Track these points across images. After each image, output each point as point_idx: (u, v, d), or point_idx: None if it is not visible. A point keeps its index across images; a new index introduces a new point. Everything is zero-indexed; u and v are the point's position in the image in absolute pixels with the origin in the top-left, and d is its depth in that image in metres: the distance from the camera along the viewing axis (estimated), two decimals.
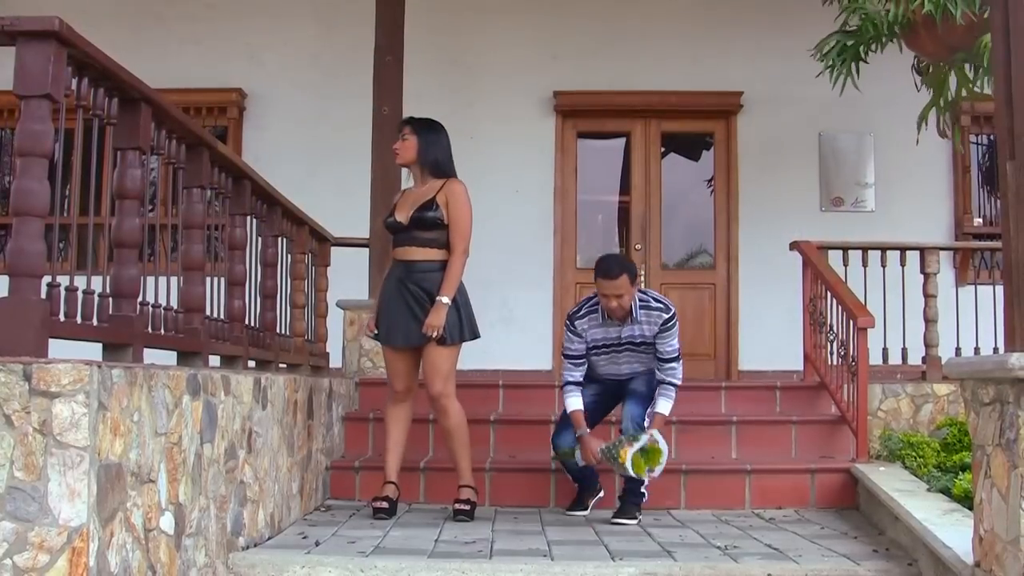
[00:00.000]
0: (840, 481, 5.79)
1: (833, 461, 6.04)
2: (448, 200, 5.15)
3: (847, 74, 7.08)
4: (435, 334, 5.03)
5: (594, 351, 5.45)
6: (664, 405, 5.36)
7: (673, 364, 5.38)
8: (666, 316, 5.33)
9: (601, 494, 5.60)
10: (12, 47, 2.84)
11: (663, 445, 5.19)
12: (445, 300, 5.05)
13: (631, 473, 5.11)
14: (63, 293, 2.96)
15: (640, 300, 5.36)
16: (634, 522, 5.19)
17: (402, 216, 5.20)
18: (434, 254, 5.15)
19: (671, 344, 5.37)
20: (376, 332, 5.28)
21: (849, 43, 7.10)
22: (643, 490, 5.31)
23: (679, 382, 5.41)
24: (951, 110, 7.15)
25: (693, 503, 5.75)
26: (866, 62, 7.08)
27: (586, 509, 5.52)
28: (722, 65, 8.93)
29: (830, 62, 7.11)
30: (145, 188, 3.45)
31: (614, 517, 5.25)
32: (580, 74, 8.90)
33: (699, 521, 5.29)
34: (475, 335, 5.24)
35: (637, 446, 5.10)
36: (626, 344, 5.40)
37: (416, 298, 5.12)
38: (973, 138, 9.08)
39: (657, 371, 5.41)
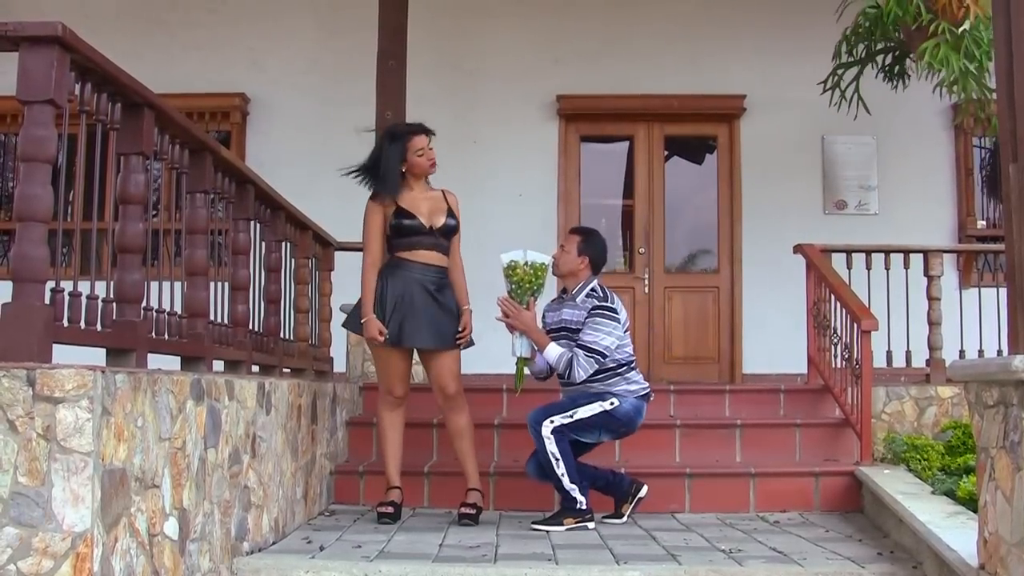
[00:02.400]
0: (844, 484, 5.78)
1: (837, 464, 6.03)
2: (453, 209, 5.32)
3: (859, 100, 7.52)
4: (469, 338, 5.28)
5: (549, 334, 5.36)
6: (553, 350, 5.16)
7: (581, 352, 5.10)
8: (596, 302, 5.21)
9: (642, 493, 5.38)
10: (15, 52, 2.85)
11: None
12: (470, 308, 5.30)
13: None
14: (67, 298, 2.96)
15: (590, 288, 5.32)
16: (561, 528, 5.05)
17: (427, 220, 5.24)
18: (447, 261, 5.32)
19: (590, 335, 5.13)
20: (387, 336, 5.16)
21: (851, 70, 7.49)
22: (573, 494, 5.12)
23: (579, 374, 5.09)
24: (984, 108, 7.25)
25: (697, 507, 5.74)
26: (909, 75, 7.21)
27: (621, 517, 5.36)
28: (724, 68, 8.94)
29: (839, 94, 7.54)
30: (148, 193, 3.46)
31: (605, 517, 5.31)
32: (583, 78, 8.91)
33: (703, 524, 5.28)
34: None
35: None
36: (563, 328, 5.29)
37: (442, 304, 5.22)
38: (976, 141, 9.09)
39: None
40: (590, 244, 5.39)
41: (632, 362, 5.33)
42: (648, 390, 5.36)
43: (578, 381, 5.15)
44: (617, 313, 5.25)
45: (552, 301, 5.54)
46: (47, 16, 3.04)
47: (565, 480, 5.12)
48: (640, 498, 5.37)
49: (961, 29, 6.67)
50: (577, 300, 5.30)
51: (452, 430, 5.35)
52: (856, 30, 7.42)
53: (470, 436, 5.33)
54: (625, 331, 5.30)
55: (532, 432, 5.16)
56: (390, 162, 5.24)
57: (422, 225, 5.22)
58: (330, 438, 5.88)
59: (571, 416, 5.14)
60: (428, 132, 5.31)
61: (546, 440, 5.12)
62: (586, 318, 5.20)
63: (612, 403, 5.18)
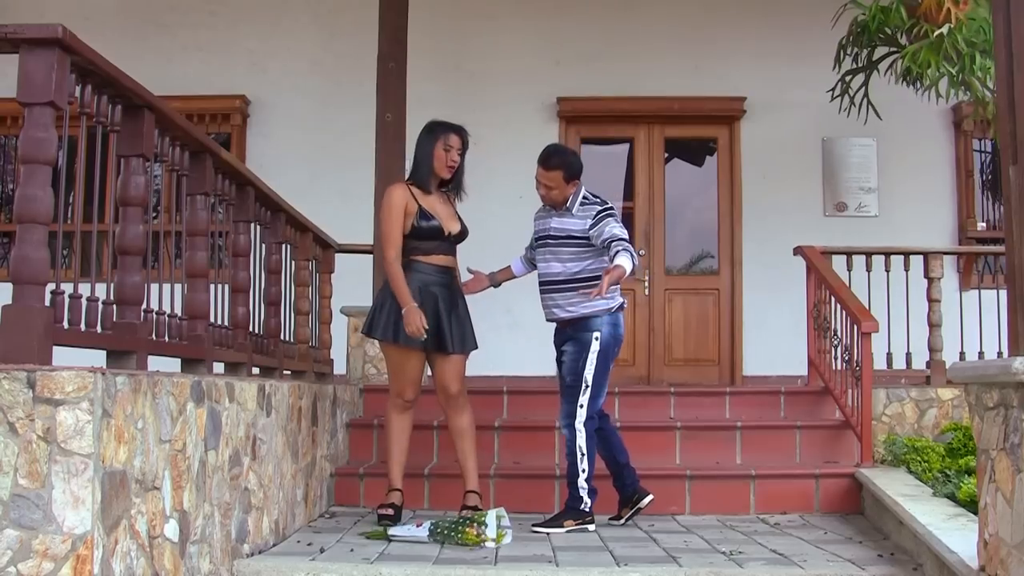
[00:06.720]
0: (845, 486, 5.77)
1: (838, 466, 6.02)
2: (458, 213, 5.37)
3: (869, 105, 7.57)
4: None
5: (535, 244, 5.44)
6: (623, 259, 4.96)
7: (620, 242, 5.05)
8: (599, 208, 5.26)
9: (644, 503, 5.34)
10: (15, 54, 2.85)
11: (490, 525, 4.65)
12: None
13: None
14: (67, 300, 2.96)
15: (583, 197, 5.34)
16: (562, 530, 5.06)
17: (452, 227, 5.27)
18: (454, 262, 5.38)
19: (608, 231, 5.14)
20: (425, 341, 5.14)
21: (859, 76, 7.55)
22: (583, 494, 5.14)
23: (632, 252, 5.04)
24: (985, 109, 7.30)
25: (698, 508, 5.74)
26: (930, 76, 7.21)
27: (620, 519, 5.35)
28: (724, 70, 8.94)
29: (848, 100, 7.59)
30: (149, 195, 3.46)
31: (611, 519, 5.28)
32: (583, 80, 8.91)
33: (704, 526, 5.28)
34: None
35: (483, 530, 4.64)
36: (547, 236, 5.32)
37: (461, 305, 5.31)
38: (976, 143, 9.10)
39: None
40: (571, 169, 5.36)
41: None
42: (622, 301, 5.33)
43: (637, 262, 5.19)
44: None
45: (539, 211, 5.51)
46: (47, 18, 3.04)
47: (582, 477, 5.13)
48: (640, 507, 5.33)
49: (937, 32, 6.70)
50: (573, 211, 5.30)
51: (453, 430, 5.35)
52: (849, 38, 7.46)
53: (471, 436, 5.34)
54: None
55: (566, 429, 5.19)
56: (425, 149, 5.26)
57: (442, 230, 5.22)
58: (330, 440, 5.88)
59: (586, 384, 5.16)
60: (463, 135, 5.33)
61: (578, 433, 5.14)
62: (594, 223, 5.21)
63: (596, 337, 5.19)
